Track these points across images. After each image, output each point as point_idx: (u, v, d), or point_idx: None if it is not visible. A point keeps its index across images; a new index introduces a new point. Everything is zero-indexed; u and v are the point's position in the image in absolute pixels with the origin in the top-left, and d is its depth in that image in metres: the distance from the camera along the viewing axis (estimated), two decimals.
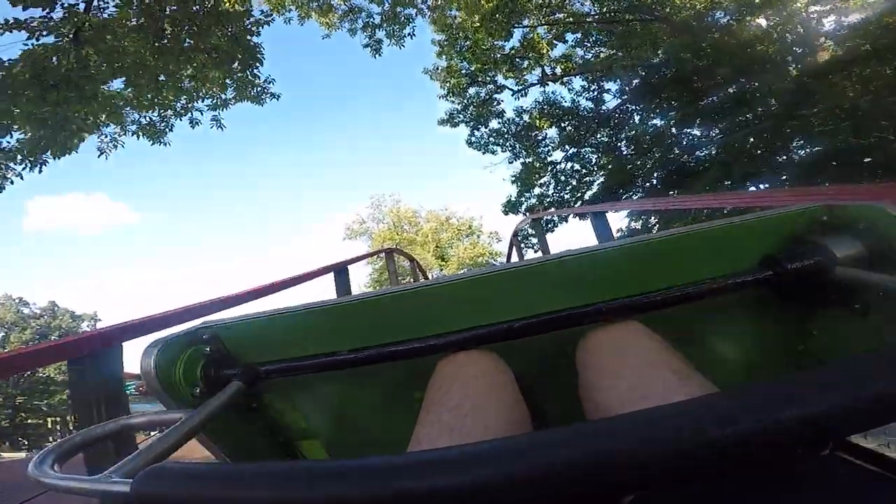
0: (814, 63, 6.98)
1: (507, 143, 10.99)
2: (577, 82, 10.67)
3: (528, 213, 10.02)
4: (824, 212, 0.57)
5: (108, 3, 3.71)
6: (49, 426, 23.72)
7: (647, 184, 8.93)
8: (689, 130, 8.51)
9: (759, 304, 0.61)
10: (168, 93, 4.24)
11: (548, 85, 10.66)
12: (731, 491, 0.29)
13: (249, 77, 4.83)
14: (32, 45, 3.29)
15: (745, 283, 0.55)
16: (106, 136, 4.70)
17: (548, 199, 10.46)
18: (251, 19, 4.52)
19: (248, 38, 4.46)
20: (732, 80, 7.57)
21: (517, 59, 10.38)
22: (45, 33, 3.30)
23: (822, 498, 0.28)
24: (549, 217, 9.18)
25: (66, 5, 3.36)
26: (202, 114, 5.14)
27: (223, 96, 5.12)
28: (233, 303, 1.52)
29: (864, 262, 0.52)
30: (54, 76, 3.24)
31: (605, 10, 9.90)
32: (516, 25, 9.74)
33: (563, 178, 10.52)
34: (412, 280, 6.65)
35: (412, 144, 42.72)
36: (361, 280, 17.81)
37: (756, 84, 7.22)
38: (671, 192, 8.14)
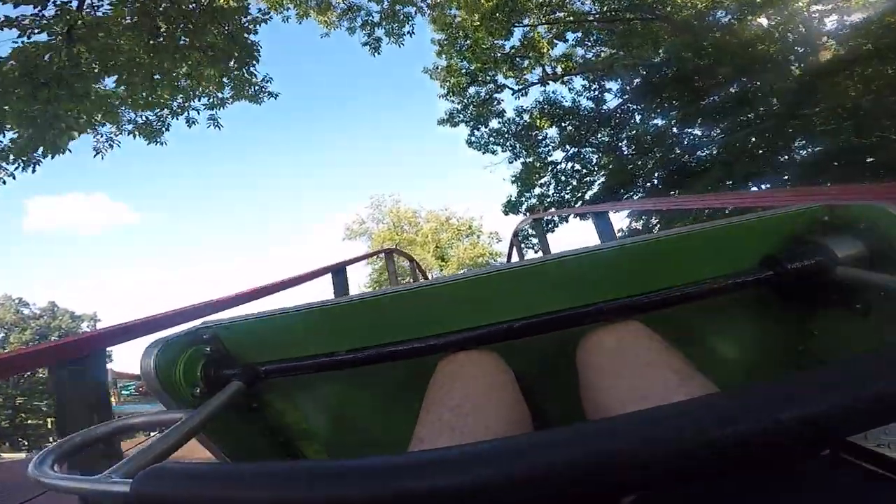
0: (816, 62, 6.95)
1: (508, 143, 10.96)
2: (578, 81, 10.66)
3: (528, 214, 9.99)
4: (825, 212, 0.57)
5: (102, 0, 3.69)
6: (49, 426, 23.68)
7: (648, 184, 8.89)
8: (690, 130, 8.48)
9: (759, 304, 0.61)
10: (163, 91, 4.19)
11: (548, 84, 10.64)
12: (731, 491, 0.28)
13: (246, 75, 4.79)
14: (24, 42, 3.25)
15: (745, 283, 0.55)
16: (102, 136, 4.68)
17: (548, 199, 10.43)
18: (248, 17, 4.48)
19: (246, 36, 4.41)
20: (734, 79, 7.55)
21: (517, 59, 10.35)
22: (36, 31, 3.26)
23: (822, 498, 0.28)
24: (549, 217, 9.15)
25: (58, 3, 3.33)
26: (199, 113, 5.10)
27: (220, 95, 5.08)
28: (222, 307, 1.47)
29: (864, 262, 0.52)
30: (45, 74, 3.20)
31: (605, 8, 9.87)
32: (516, 24, 9.71)
33: (563, 178, 10.49)
34: (412, 281, 6.63)
35: (412, 144, 42.74)
36: (361, 280, 17.80)
37: (758, 83, 7.20)
38: (672, 192, 8.11)
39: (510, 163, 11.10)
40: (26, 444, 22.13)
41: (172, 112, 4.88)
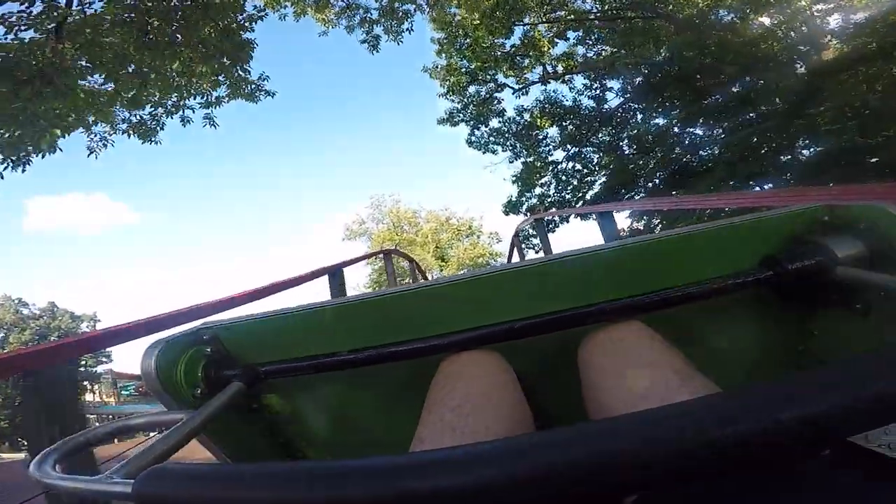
0: (819, 61, 6.90)
1: (508, 143, 10.90)
2: (579, 80, 10.60)
3: (528, 214, 9.95)
4: (825, 212, 0.57)
5: None
6: None
7: (650, 184, 8.83)
8: (692, 129, 8.42)
9: (759, 305, 0.61)
10: (153, 89, 4.13)
11: (549, 83, 10.59)
12: (731, 491, 0.28)
13: (240, 72, 4.71)
14: (8, 39, 3.18)
15: (745, 283, 0.55)
16: (96, 135, 4.60)
17: (549, 199, 10.37)
18: (243, 14, 4.40)
19: (241, 33, 4.33)
20: (736, 78, 7.49)
21: (518, 58, 10.29)
22: (23, 28, 3.19)
23: (822, 498, 0.28)
24: (549, 217, 9.09)
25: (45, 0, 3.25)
26: (193, 112, 5.03)
27: (215, 93, 5.01)
28: (211, 310, 1.42)
29: (864, 262, 0.52)
30: (28, 71, 3.13)
31: (606, 7, 9.81)
32: (517, 23, 9.65)
33: (564, 177, 10.44)
34: (411, 281, 6.57)
35: (412, 144, 42.70)
36: (361, 281, 17.76)
37: (761, 82, 7.13)
38: (674, 192, 8.05)
39: (510, 162, 11.07)
40: (26, 444, 22.08)
41: (167, 111, 4.81)
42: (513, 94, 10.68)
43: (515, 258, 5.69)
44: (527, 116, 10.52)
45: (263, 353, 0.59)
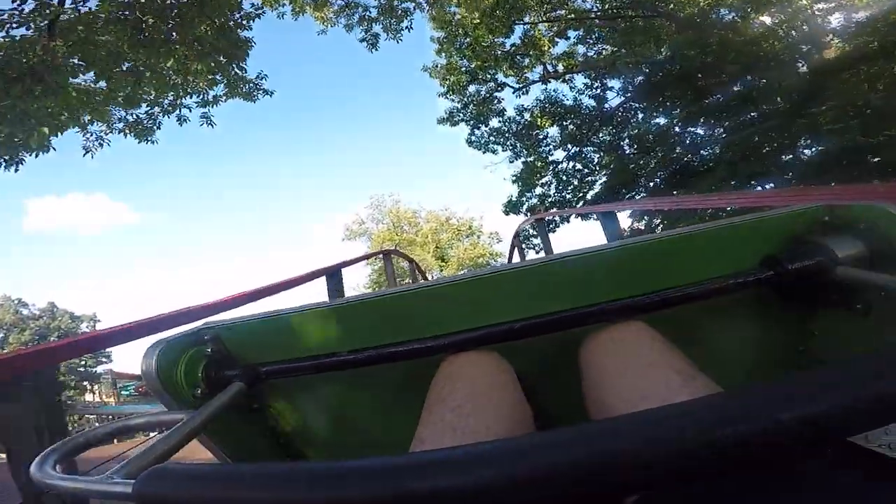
0: (820, 60, 6.88)
1: (508, 143, 10.86)
2: (580, 80, 10.54)
3: (529, 214, 9.91)
4: (825, 212, 0.57)
5: None
6: None
7: (651, 183, 8.80)
8: (693, 129, 8.40)
9: (760, 305, 0.61)
10: (148, 87, 4.08)
11: (549, 83, 10.55)
12: (731, 491, 0.28)
13: (236, 71, 4.66)
14: (0, 37, 3.15)
15: (746, 283, 0.55)
16: (92, 135, 4.54)
17: (549, 199, 10.34)
18: (241, 12, 4.34)
19: (238, 31, 4.29)
20: (738, 77, 7.47)
21: (518, 57, 10.25)
22: (15, 26, 3.15)
23: (822, 498, 0.28)
24: (549, 217, 9.06)
25: None
26: (190, 111, 4.98)
27: (212, 92, 4.96)
28: (198, 315, 1.38)
29: (865, 262, 0.52)
30: (19, 69, 3.08)
31: (607, 6, 9.77)
32: (517, 22, 9.61)
33: (564, 177, 10.40)
34: (411, 282, 6.55)
35: (412, 144, 42.68)
36: (361, 281, 17.74)
37: (762, 82, 7.11)
38: (675, 192, 8.02)
39: (511, 162, 11.02)
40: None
41: (164, 110, 4.76)
42: (513, 93, 10.65)
43: (516, 258, 5.67)
44: (527, 116, 10.48)
45: (264, 353, 0.59)
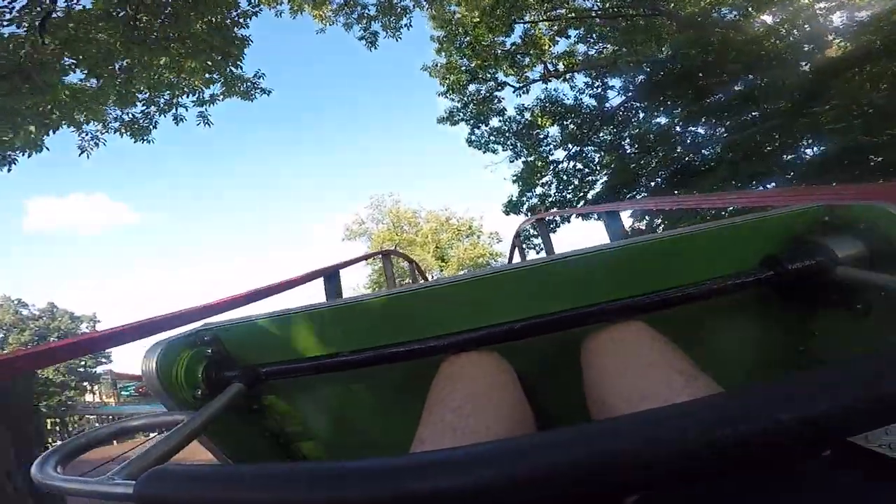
0: (822, 60, 6.84)
1: (508, 142, 10.81)
2: (580, 79, 10.48)
3: (529, 214, 9.88)
4: (825, 212, 0.57)
5: None
6: (49, 427, 23.65)
7: (652, 183, 8.77)
8: (694, 129, 8.36)
9: (760, 305, 0.61)
10: (141, 84, 4.03)
11: (550, 82, 10.50)
12: (731, 491, 0.29)
13: (232, 69, 4.59)
14: None
15: (746, 283, 0.55)
16: (87, 134, 4.45)
17: (550, 199, 10.29)
18: (238, 10, 4.27)
19: (235, 29, 4.23)
20: (739, 76, 7.44)
21: (518, 56, 10.21)
22: (5, 24, 3.09)
23: (822, 498, 0.28)
24: (550, 217, 9.03)
25: None
26: (187, 110, 4.91)
27: (208, 91, 4.91)
28: (190, 317, 1.34)
29: (865, 262, 0.52)
30: (7, 66, 3.02)
31: (607, 5, 9.72)
32: (517, 21, 9.56)
33: (565, 177, 10.35)
34: (411, 282, 6.51)
35: (412, 144, 42.63)
36: (361, 281, 17.71)
37: (764, 81, 7.07)
38: (676, 192, 7.99)
39: (511, 162, 10.96)
40: None
41: (160, 109, 4.70)
42: (513, 92, 10.59)
43: (517, 259, 5.65)
44: (527, 115, 10.43)
45: (264, 354, 0.58)
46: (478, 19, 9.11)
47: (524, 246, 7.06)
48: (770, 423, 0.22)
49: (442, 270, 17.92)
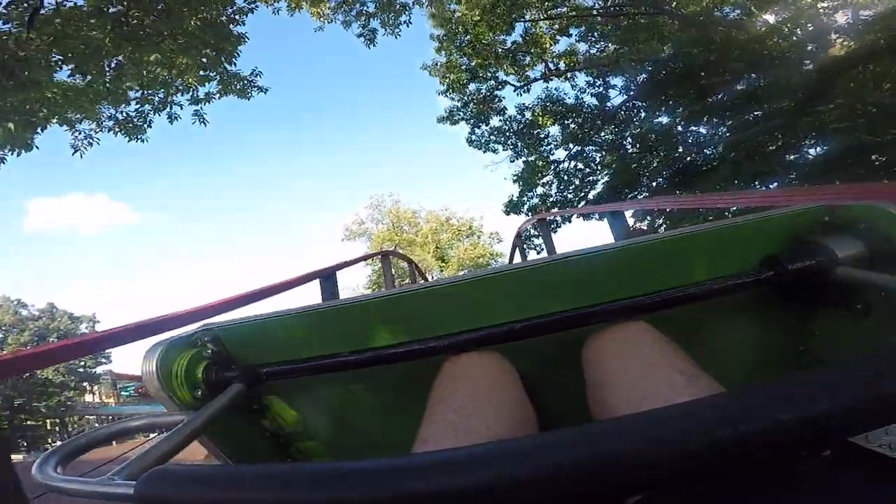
0: (826, 58, 6.80)
1: (509, 142, 10.77)
2: (582, 78, 10.43)
3: (530, 214, 9.84)
4: (825, 212, 0.57)
5: None
6: (48, 427, 23.63)
7: (653, 183, 8.73)
8: (696, 128, 8.32)
9: (760, 305, 0.61)
10: (131, 81, 3.96)
11: (551, 81, 10.46)
12: (731, 491, 0.29)
13: (226, 66, 4.52)
14: None
15: (746, 283, 0.55)
16: (80, 133, 4.38)
17: (550, 199, 10.26)
18: (233, 7, 4.21)
19: (230, 26, 4.17)
20: (741, 75, 7.40)
21: (519, 55, 10.17)
22: None
23: (822, 498, 0.28)
24: (551, 217, 8.98)
25: None
26: (182, 108, 4.86)
27: (203, 89, 4.85)
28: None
29: (865, 262, 0.52)
30: None
31: (609, 3, 9.69)
32: (518, 19, 9.53)
33: (566, 177, 10.31)
34: (411, 283, 6.47)
35: (412, 144, 42.62)
36: (360, 282, 17.67)
37: (767, 80, 7.03)
38: (677, 192, 7.94)
39: (511, 162, 10.91)
40: (25, 445, 22.05)
41: (154, 107, 4.65)
42: (514, 91, 10.55)
43: (517, 259, 5.61)
44: (528, 115, 10.39)
45: (264, 354, 0.59)
46: (478, 17, 9.07)
47: (525, 246, 7.01)
48: (770, 423, 0.22)
49: (442, 271, 17.88)
